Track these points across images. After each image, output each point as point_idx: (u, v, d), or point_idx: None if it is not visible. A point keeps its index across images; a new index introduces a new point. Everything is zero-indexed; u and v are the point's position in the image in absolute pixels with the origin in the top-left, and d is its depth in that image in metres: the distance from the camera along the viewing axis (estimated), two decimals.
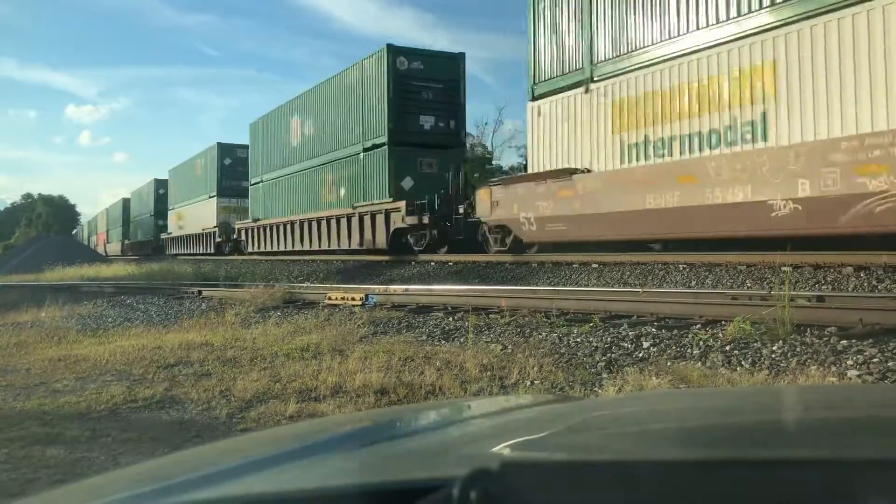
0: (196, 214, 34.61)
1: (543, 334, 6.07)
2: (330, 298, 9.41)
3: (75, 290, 15.07)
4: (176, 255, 35.95)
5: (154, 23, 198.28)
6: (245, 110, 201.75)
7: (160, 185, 44.87)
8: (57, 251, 28.93)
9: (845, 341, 4.77)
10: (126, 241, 53.08)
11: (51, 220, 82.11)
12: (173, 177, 40.76)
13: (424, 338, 6.49)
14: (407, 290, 9.73)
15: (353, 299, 9.08)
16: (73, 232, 78.43)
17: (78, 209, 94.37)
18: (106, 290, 14.46)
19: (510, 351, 5.48)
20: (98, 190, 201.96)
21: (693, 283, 9.20)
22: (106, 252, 55.04)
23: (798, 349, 4.74)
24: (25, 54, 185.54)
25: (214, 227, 31.93)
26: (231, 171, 32.08)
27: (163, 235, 42.02)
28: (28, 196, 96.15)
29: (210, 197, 32.72)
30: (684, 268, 10.02)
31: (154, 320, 9.35)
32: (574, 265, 11.89)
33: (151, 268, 21.58)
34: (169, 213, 40.71)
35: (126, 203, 55.28)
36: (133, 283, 15.80)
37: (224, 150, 32.83)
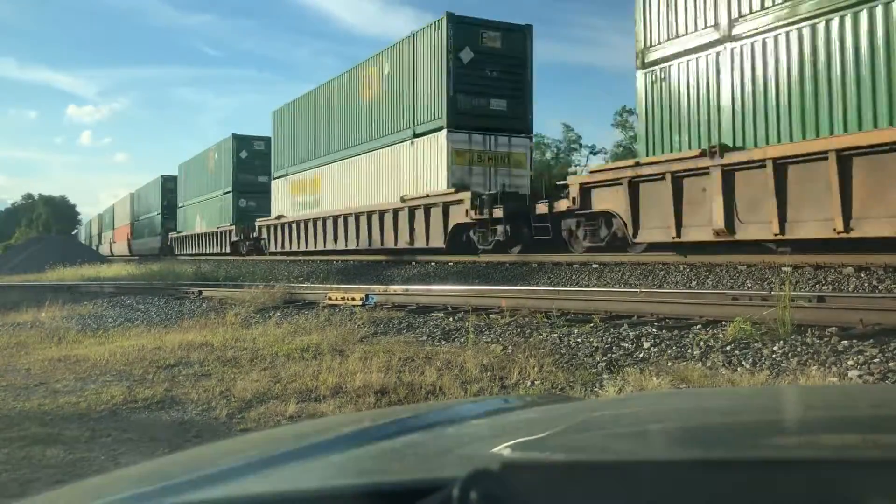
0: (365, 176, 17.91)
1: (544, 334, 6.06)
2: (330, 298, 9.42)
3: (75, 291, 15.07)
4: (312, 254, 20.33)
5: (154, 23, 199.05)
6: (245, 110, 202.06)
7: (243, 144, 28.53)
8: (57, 251, 29.01)
9: (846, 341, 4.77)
10: (172, 235, 36.58)
11: (51, 220, 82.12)
12: (282, 123, 23.87)
13: (424, 338, 6.49)
14: (407, 290, 9.72)
15: (353, 299, 9.08)
16: (74, 232, 78.39)
17: (78, 209, 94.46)
18: (106, 291, 14.46)
19: (510, 351, 5.48)
20: (98, 190, 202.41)
21: (693, 283, 9.19)
22: (131, 251, 42.98)
23: (799, 349, 4.74)
24: (25, 54, 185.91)
25: (446, 191, 14.56)
26: (470, 74, 14.88)
27: (258, 222, 25.18)
28: (28, 196, 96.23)
29: (436, 130, 15.13)
30: (684, 268, 10.01)
31: (154, 320, 9.35)
32: (574, 265, 11.88)
33: (151, 268, 21.57)
34: (273, 183, 24.34)
35: (166, 182, 38.59)
36: (133, 284, 15.79)
37: (460, 31, 14.77)
